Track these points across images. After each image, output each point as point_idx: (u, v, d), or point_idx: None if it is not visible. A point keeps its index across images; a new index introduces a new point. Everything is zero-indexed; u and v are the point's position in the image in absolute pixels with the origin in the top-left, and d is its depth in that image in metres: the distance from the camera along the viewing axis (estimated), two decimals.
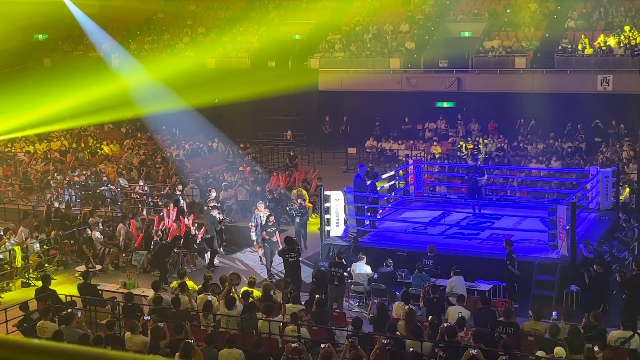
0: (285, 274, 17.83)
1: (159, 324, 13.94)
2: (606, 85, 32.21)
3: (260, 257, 20.88)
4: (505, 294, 16.73)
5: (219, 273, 18.40)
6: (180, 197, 24.59)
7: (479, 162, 22.46)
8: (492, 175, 24.22)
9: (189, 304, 15.26)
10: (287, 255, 17.69)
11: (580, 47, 34.29)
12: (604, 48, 33.67)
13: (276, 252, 19.40)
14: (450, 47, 37.12)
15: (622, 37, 33.62)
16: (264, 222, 20.32)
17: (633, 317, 14.56)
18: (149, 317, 14.38)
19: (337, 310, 16.18)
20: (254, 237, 20.78)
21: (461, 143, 33.91)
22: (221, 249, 21.89)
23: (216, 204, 22.98)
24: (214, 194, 23.91)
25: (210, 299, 15.26)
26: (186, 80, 36.91)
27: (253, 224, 20.67)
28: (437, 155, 32.19)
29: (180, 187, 23.99)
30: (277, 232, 20.32)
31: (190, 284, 16.63)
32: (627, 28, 33.95)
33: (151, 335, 13.60)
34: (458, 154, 32.19)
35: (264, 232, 20.08)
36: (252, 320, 14.40)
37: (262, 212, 20.70)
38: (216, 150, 34.31)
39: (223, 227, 22.09)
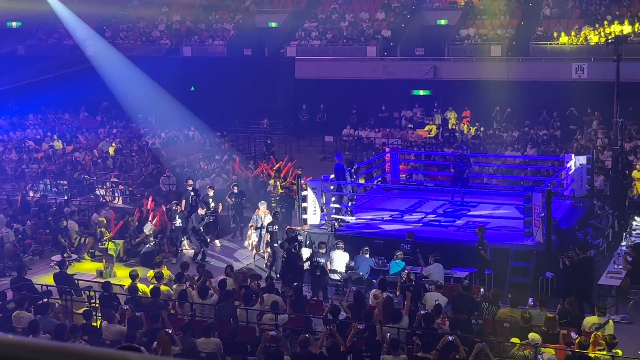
0: (284, 267, 17.53)
1: (136, 313, 13.93)
2: (581, 73, 32.44)
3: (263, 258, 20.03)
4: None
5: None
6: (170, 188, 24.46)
7: (465, 151, 22.53)
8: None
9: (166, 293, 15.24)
10: (290, 247, 17.58)
11: (555, 34, 34.51)
12: (582, 42, 33.88)
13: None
14: (426, 35, 37.23)
15: (602, 32, 33.82)
16: (264, 223, 19.71)
17: (585, 300, 14.74)
18: (127, 307, 14.34)
19: (315, 299, 16.22)
20: (254, 239, 20.08)
21: (431, 127, 34.23)
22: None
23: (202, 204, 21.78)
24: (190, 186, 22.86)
25: (185, 288, 15.26)
26: (162, 68, 36.74)
27: (253, 225, 20.12)
28: (433, 133, 33.24)
29: (190, 182, 22.74)
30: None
31: (166, 273, 16.60)
32: (606, 23, 34.16)
33: (128, 324, 13.56)
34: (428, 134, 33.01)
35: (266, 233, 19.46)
36: (229, 308, 14.41)
37: (262, 212, 20.00)
38: (192, 139, 34.17)
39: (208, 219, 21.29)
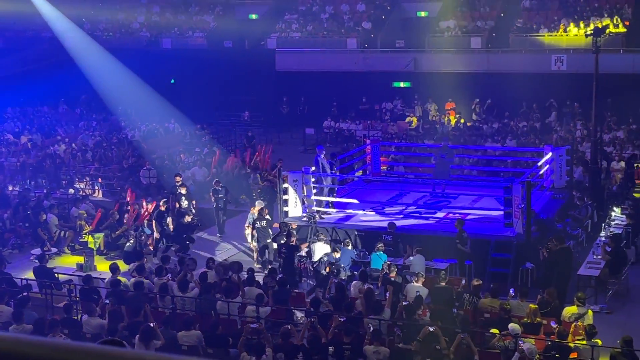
0: (285, 263, 17.31)
1: (118, 306, 13.90)
2: (560, 65, 32.60)
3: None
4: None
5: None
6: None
7: (448, 143, 22.59)
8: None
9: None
10: (281, 241, 17.47)
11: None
12: (562, 34, 34.05)
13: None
14: (406, 27, 37.28)
15: (585, 28, 34.01)
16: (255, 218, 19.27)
17: (562, 290, 14.86)
18: (107, 301, 14.30)
19: (296, 291, 16.24)
20: (249, 240, 19.62)
21: (411, 118, 34.34)
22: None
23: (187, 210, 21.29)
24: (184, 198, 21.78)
25: (166, 281, 15.24)
26: (141, 60, 36.54)
27: (249, 225, 19.52)
28: (413, 124, 33.13)
29: (179, 179, 22.27)
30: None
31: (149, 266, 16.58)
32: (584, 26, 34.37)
33: (109, 318, 13.53)
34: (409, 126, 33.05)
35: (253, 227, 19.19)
36: (210, 301, 14.40)
37: (257, 212, 19.39)
38: (173, 131, 34.04)
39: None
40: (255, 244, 19.18)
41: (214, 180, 22.89)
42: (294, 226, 18.83)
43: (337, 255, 16.89)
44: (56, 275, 17.08)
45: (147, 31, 41.97)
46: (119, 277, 15.41)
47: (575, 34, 33.36)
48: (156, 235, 20.09)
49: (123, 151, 29.90)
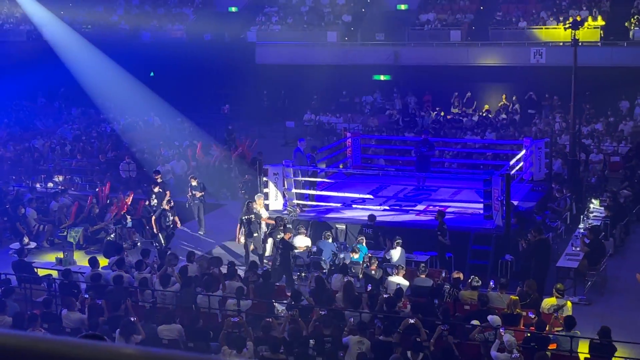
0: (282, 257, 17.04)
1: (97, 301, 13.85)
2: (539, 58, 32.75)
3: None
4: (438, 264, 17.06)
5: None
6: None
7: (428, 136, 22.65)
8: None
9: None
10: (277, 236, 17.31)
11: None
12: (541, 27, 34.21)
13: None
14: (386, 20, 37.26)
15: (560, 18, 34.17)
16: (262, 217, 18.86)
17: (541, 281, 14.96)
18: (87, 295, 14.24)
19: (277, 284, 16.23)
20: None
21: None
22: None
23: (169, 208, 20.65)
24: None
25: (146, 275, 15.19)
26: (121, 53, 36.32)
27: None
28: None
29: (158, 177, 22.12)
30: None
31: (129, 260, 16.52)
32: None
33: (88, 312, 13.48)
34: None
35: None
36: (191, 295, 14.37)
37: (259, 206, 18.90)
38: (152, 125, 33.89)
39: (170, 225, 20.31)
40: (243, 238, 18.67)
41: (190, 176, 22.59)
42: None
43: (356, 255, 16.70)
44: (35, 269, 16.98)
45: (126, 24, 41.71)
46: (98, 271, 15.35)
47: (554, 27, 33.53)
48: (155, 230, 19.51)
49: (102, 144, 29.76)
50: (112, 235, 19.66)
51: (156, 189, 20.97)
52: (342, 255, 16.76)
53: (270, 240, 18.14)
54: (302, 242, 17.57)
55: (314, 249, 17.53)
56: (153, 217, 19.19)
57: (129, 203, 21.28)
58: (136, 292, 14.87)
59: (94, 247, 20.04)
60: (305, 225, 18.43)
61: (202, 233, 21.33)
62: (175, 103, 34.62)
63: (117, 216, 20.67)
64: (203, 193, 21.58)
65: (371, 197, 20.39)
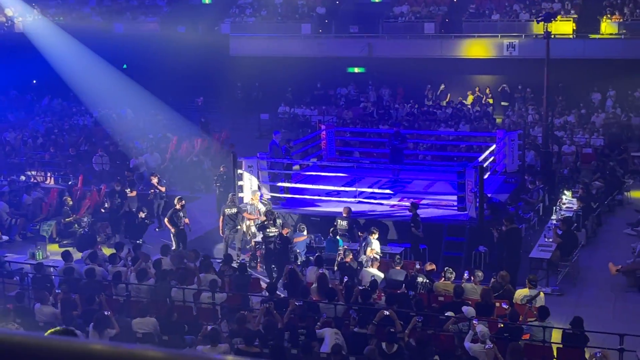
0: (266, 252, 17.05)
1: (72, 295, 13.76)
2: (512, 50, 32.94)
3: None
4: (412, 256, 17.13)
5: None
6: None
7: (400, 129, 22.70)
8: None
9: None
10: (267, 230, 17.14)
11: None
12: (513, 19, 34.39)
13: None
14: (360, 12, 37.28)
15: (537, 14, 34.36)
16: (260, 211, 18.34)
17: (513, 270, 15.08)
18: (59, 290, 14.14)
19: (252, 277, 16.23)
20: (253, 230, 18.42)
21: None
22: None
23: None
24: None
25: (120, 269, 15.11)
26: (93, 45, 36.05)
27: (253, 216, 18.55)
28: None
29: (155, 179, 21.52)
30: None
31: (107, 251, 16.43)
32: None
33: (61, 306, 13.39)
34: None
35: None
36: (165, 288, 14.33)
37: (255, 200, 18.64)
38: (126, 117, 33.68)
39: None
40: (227, 232, 18.39)
41: (151, 174, 22.29)
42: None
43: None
44: (8, 263, 16.83)
45: (99, 15, 41.37)
46: (72, 265, 15.25)
47: (527, 20, 33.72)
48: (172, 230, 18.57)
49: (75, 137, 29.55)
50: (80, 229, 19.54)
51: (118, 188, 20.63)
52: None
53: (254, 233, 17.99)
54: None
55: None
56: (166, 219, 18.67)
57: (103, 196, 21.16)
58: (110, 285, 14.79)
59: (67, 240, 19.91)
60: (279, 218, 18.39)
61: (158, 230, 21.14)
62: (148, 95, 34.42)
63: (90, 209, 20.54)
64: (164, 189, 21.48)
65: (346, 189, 20.41)
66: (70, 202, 20.82)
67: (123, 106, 34.06)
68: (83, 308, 13.40)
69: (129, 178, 21.66)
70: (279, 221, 17.59)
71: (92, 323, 12.18)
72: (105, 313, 12.47)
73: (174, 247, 17.64)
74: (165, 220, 18.68)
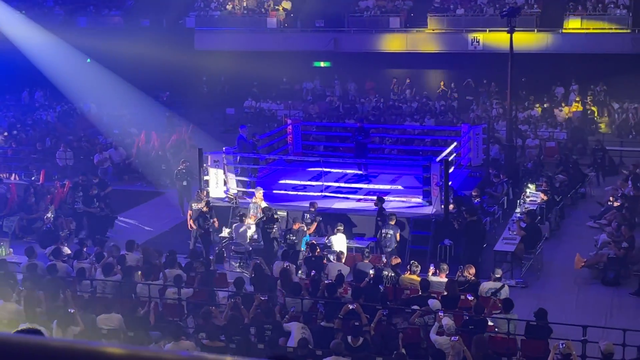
0: (266, 249, 16.82)
1: (37, 291, 13.61)
2: (477, 45, 33.13)
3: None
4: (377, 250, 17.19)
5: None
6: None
7: (363, 123, 22.75)
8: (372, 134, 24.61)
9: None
10: (266, 227, 16.93)
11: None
12: (478, 13, 34.57)
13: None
14: (326, 6, 37.22)
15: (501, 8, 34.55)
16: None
17: (473, 261, 15.23)
18: (22, 287, 13.98)
19: (219, 272, 16.17)
20: (253, 230, 17.71)
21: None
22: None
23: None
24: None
25: (84, 265, 14.99)
26: (55, 39, 35.62)
27: (253, 215, 18.04)
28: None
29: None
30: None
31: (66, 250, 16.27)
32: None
33: (25, 303, 13.23)
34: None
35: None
36: (130, 284, 14.24)
37: (259, 199, 18.25)
38: (89, 112, 33.35)
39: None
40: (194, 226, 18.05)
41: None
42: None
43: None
44: None
45: (62, 9, 40.86)
46: (35, 261, 15.09)
47: (491, 14, 33.91)
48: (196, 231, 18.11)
49: (38, 133, 29.21)
50: (48, 220, 19.33)
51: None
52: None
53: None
54: (244, 229, 17.51)
55: (256, 236, 17.49)
56: (191, 220, 18.28)
57: (67, 192, 20.94)
58: (74, 282, 14.65)
59: (30, 237, 19.68)
60: (246, 212, 18.35)
61: None
62: (112, 90, 34.11)
63: (54, 205, 20.32)
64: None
65: (312, 183, 20.42)
66: (33, 198, 20.58)
67: (86, 101, 33.69)
68: (47, 305, 13.26)
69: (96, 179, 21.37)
70: (277, 217, 17.33)
71: (55, 320, 12.06)
72: (70, 310, 12.35)
73: (191, 247, 17.46)
74: (191, 221, 18.20)
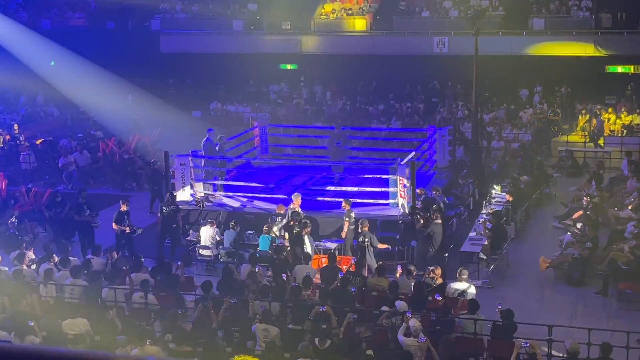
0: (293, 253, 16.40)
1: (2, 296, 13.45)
2: (442, 47, 33.32)
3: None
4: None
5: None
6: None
7: (340, 128, 22.78)
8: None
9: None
10: (294, 232, 16.63)
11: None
12: (443, 16, 34.78)
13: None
14: (292, 9, 37.23)
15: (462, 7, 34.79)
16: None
17: (439, 263, 15.35)
18: None
19: (185, 275, 16.09)
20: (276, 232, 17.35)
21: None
22: None
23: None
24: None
25: (50, 267, 14.83)
26: (19, 41, 35.22)
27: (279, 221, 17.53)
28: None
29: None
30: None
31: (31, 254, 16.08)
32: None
33: None
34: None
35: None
36: (96, 289, 14.11)
37: (297, 205, 17.49)
38: (52, 115, 33.02)
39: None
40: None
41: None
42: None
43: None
44: None
45: (25, 11, 40.40)
46: None
47: (456, 17, 34.15)
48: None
49: (2, 135, 28.85)
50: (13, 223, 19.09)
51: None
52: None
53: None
54: (208, 232, 17.42)
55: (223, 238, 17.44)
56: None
57: (33, 196, 20.70)
58: (38, 286, 14.49)
59: None
60: (212, 215, 18.30)
61: None
62: (77, 93, 33.78)
63: (21, 209, 20.06)
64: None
65: (279, 186, 20.40)
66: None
67: (50, 104, 33.34)
68: (12, 310, 13.10)
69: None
70: (306, 221, 16.85)
71: (12, 332, 11.92)
72: (30, 324, 12.15)
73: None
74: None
